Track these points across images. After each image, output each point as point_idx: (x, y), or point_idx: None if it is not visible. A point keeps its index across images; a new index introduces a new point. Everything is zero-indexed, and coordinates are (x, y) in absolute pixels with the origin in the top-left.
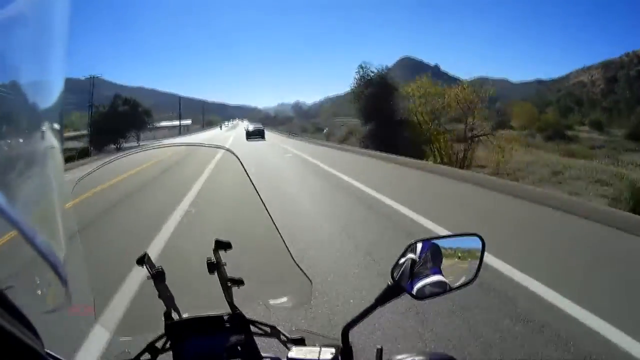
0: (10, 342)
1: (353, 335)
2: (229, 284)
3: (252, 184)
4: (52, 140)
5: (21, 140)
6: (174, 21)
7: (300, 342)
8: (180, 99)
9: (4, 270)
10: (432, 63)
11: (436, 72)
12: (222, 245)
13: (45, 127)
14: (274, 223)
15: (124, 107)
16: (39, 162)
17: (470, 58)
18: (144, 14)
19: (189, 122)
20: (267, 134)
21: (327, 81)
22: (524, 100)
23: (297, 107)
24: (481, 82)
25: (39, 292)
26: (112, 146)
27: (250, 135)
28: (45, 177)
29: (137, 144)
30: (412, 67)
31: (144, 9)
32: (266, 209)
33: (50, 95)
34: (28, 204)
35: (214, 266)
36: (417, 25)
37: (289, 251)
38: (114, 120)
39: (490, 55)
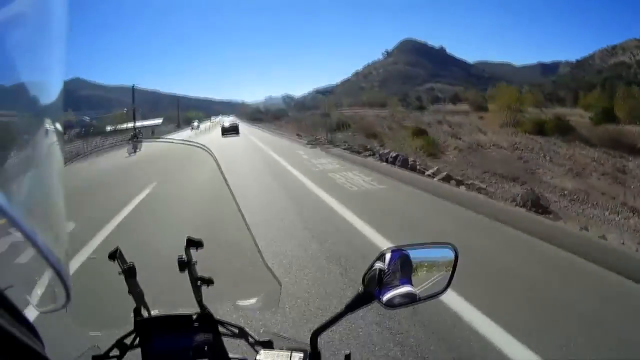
0: (10, 342)
1: (322, 340)
2: (199, 282)
3: (227, 183)
4: (52, 139)
5: (21, 140)
6: (155, 17)
7: (268, 344)
8: (133, 88)
9: (4, 270)
10: (436, 45)
11: (442, 55)
12: (193, 244)
13: (45, 126)
14: (246, 223)
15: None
16: (39, 162)
17: (473, 40)
18: (124, 8)
19: (158, 121)
20: (262, 135)
21: (315, 72)
22: (540, 84)
23: (288, 99)
24: (483, 65)
25: (39, 292)
26: None
27: (226, 131)
28: (46, 177)
29: None
30: (416, 49)
31: (125, 3)
32: (239, 209)
33: (50, 94)
34: (28, 203)
35: (185, 264)
36: (416, 7)
37: (259, 253)
38: None
39: (493, 38)
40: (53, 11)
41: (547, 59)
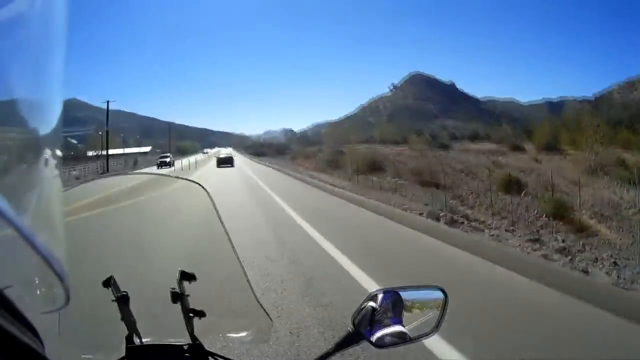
0: (10, 342)
1: None
2: (190, 314)
3: (220, 218)
4: (51, 142)
5: (21, 142)
6: (157, 43)
7: None
8: (108, 105)
9: (4, 270)
10: (445, 80)
11: (452, 91)
12: (186, 277)
13: (44, 129)
14: (238, 258)
15: None
16: (39, 164)
17: (479, 76)
18: (126, 31)
19: (146, 149)
20: (269, 173)
21: (314, 108)
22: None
23: (290, 134)
24: (490, 102)
25: (39, 292)
26: None
27: (221, 162)
28: (45, 179)
29: None
30: (425, 83)
31: (127, 26)
32: (231, 244)
33: (49, 98)
34: (28, 205)
35: (178, 296)
36: (423, 40)
37: (251, 287)
38: None
39: (497, 74)
40: (53, 12)
41: (554, 95)
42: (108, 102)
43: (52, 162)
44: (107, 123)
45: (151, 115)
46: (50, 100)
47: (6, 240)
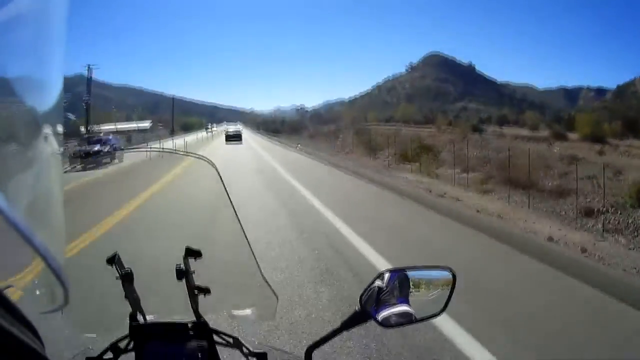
0: (10, 342)
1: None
2: (195, 291)
3: (228, 195)
4: (51, 140)
5: (21, 141)
6: (166, 17)
7: (262, 356)
8: (89, 69)
9: (4, 270)
10: (465, 61)
11: (471, 72)
12: (192, 253)
13: (44, 127)
14: (246, 236)
15: None
16: (39, 163)
17: (497, 59)
18: (134, 7)
19: (145, 124)
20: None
21: (326, 85)
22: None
23: (302, 110)
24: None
25: (39, 292)
26: None
27: (229, 138)
28: (45, 178)
29: None
30: (443, 64)
31: (135, 3)
32: (239, 221)
33: (49, 95)
34: (27, 204)
35: (183, 273)
36: (441, 19)
37: (257, 265)
38: None
39: (515, 58)
40: (53, 11)
41: (569, 83)
42: (89, 66)
43: (53, 162)
44: (89, 92)
45: (159, 91)
46: (51, 92)
47: (6, 240)
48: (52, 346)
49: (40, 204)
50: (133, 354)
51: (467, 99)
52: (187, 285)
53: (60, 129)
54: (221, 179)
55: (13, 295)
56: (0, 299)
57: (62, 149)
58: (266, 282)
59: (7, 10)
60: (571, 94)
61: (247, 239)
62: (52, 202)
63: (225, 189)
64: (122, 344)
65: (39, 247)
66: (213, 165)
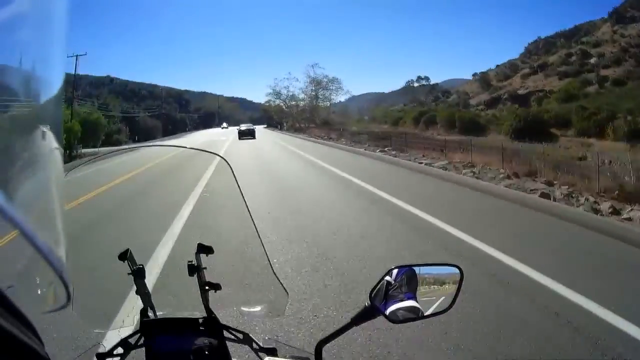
0: (10, 342)
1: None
2: (207, 287)
3: (241, 192)
4: (51, 139)
5: (21, 140)
6: (169, 11)
7: (272, 352)
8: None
9: (4, 270)
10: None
11: None
12: (204, 249)
13: (44, 127)
14: (258, 233)
15: None
16: (39, 162)
17: None
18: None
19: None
20: None
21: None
22: None
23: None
24: None
25: (39, 292)
26: None
27: (242, 134)
28: (46, 177)
29: None
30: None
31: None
32: (251, 218)
33: (49, 94)
34: (28, 203)
35: (194, 269)
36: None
37: (269, 261)
38: None
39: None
40: (53, 11)
41: None
42: (77, 56)
43: (54, 161)
44: (74, 87)
45: (149, 82)
46: (51, 91)
47: (7, 240)
48: (57, 346)
49: (41, 202)
50: (144, 349)
51: None
52: (198, 281)
53: (60, 128)
54: (235, 176)
55: (13, 295)
56: (1, 299)
57: (61, 149)
58: (277, 278)
59: (7, 10)
60: None
61: (259, 235)
62: (53, 200)
63: (238, 186)
64: (133, 340)
65: (40, 246)
66: (225, 160)
